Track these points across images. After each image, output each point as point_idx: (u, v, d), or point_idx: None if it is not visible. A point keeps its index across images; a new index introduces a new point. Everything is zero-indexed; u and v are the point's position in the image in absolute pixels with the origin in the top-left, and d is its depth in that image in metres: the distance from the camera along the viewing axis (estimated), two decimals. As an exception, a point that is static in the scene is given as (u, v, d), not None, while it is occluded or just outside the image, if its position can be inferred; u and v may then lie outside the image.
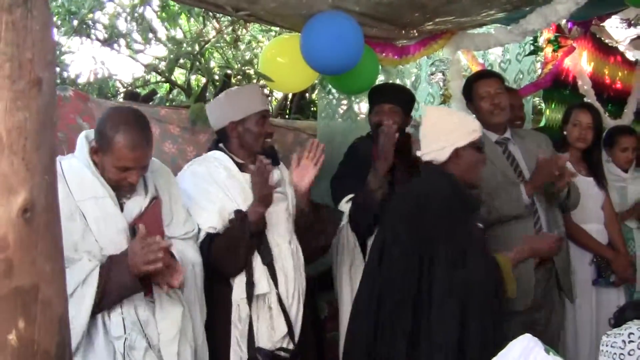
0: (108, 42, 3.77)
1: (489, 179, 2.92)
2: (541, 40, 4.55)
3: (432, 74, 4.36)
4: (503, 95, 3.20)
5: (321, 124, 4.02)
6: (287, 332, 2.58)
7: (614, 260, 3.50)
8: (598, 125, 3.60)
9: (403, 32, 3.71)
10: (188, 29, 4.96)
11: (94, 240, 2.12)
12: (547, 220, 3.09)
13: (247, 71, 4.46)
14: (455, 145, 2.46)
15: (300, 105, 4.96)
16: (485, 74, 3.45)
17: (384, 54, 3.79)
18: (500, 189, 3.02)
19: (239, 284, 2.56)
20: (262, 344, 2.55)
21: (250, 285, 2.55)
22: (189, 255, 2.35)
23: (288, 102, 5.07)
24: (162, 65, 4.31)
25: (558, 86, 4.70)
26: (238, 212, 2.56)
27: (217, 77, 4.02)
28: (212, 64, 4.78)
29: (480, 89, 3.20)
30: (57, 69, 3.42)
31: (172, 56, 3.69)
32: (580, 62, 4.80)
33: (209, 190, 2.59)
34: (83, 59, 5.88)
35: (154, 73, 4.56)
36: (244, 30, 5.10)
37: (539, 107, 5.42)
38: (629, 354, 1.67)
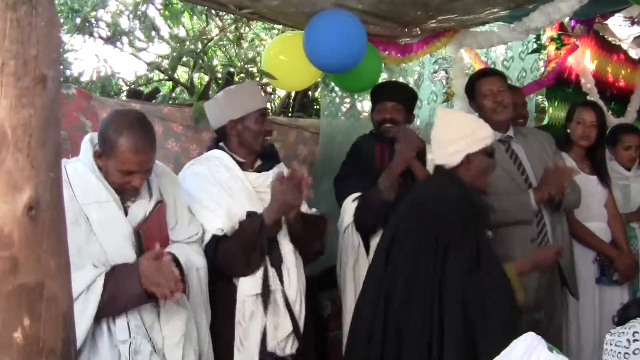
0: (111, 40, 3.76)
1: (494, 179, 2.91)
2: (544, 38, 4.54)
3: (435, 72, 4.34)
4: (506, 93, 3.19)
5: (324, 122, 4.02)
6: (292, 330, 2.56)
7: (617, 258, 3.48)
8: (602, 123, 3.59)
9: (406, 30, 3.71)
10: (191, 27, 4.96)
11: (98, 244, 2.11)
12: (551, 222, 3.10)
13: (250, 69, 4.45)
14: (467, 151, 2.45)
15: (303, 103, 4.96)
16: (488, 72, 3.43)
17: (386, 52, 3.79)
18: (508, 194, 3.01)
19: (245, 280, 2.53)
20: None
21: (266, 285, 2.53)
22: (193, 259, 2.34)
23: (291, 100, 5.07)
24: (165, 63, 4.30)
25: (561, 84, 4.69)
26: (254, 215, 2.53)
27: (220, 75, 4.02)
28: (215, 62, 4.78)
29: (483, 87, 3.19)
30: (60, 67, 3.41)
31: (175, 54, 3.68)
32: (584, 60, 4.80)
33: (212, 191, 2.57)
34: (86, 57, 5.85)
35: (156, 71, 4.55)
36: (247, 28, 5.10)
37: (542, 105, 5.41)
38: (634, 352, 1.66)
